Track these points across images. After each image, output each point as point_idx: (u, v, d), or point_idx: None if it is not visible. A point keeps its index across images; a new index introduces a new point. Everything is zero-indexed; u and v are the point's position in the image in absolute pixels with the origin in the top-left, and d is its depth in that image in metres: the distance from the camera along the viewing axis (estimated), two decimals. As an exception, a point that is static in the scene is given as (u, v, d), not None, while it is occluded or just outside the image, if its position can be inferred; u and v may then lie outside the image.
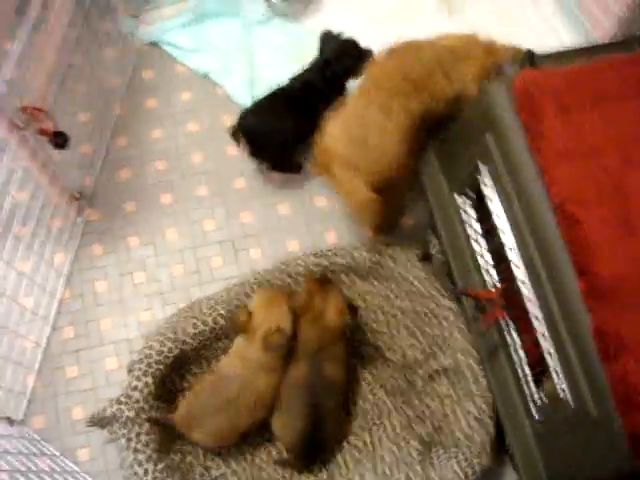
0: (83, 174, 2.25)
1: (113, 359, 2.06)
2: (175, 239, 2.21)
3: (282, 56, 2.51)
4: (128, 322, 2.11)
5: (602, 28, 2.36)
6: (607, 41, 2.26)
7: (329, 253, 2.08)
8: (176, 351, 1.92)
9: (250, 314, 1.85)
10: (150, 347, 1.91)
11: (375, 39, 2.23)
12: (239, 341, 1.89)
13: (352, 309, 1.94)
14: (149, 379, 1.87)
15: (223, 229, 2.23)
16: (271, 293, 1.92)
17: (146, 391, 1.86)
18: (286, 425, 1.86)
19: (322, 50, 2.26)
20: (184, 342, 1.93)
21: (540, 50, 2.38)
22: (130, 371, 1.92)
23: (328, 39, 2.27)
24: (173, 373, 1.95)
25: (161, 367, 1.90)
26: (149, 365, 1.88)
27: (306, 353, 1.86)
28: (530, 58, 1.67)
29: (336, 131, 1.90)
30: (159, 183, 2.29)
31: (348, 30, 2.50)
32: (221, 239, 2.21)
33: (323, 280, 1.95)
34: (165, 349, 1.91)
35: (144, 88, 2.45)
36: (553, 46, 2.47)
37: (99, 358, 2.06)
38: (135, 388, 1.86)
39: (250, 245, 2.21)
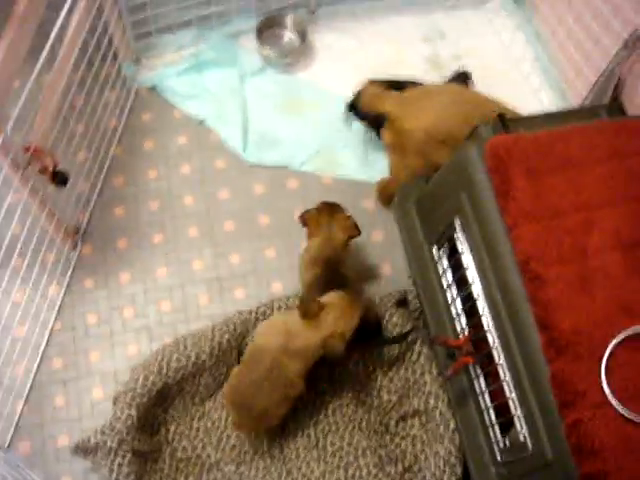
0: (79, 210, 2.35)
1: (99, 390, 2.14)
2: (164, 277, 2.31)
3: (274, 105, 2.64)
4: (115, 355, 2.19)
5: (577, 92, 2.49)
6: (581, 103, 2.39)
7: (310, 297, 2.17)
8: (160, 384, 2.01)
9: (322, 307, 1.91)
10: (135, 380, 2.00)
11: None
12: (293, 318, 1.93)
13: (356, 228, 2.14)
14: (133, 411, 1.95)
15: (211, 269, 2.32)
16: (353, 301, 1.95)
17: (129, 422, 1.94)
18: None
19: None
20: (167, 376, 2.02)
21: (519, 107, 2.54)
22: (115, 402, 2.00)
23: None
24: (156, 406, 2.04)
25: (145, 400, 1.98)
26: (133, 397, 1.97)
27: (316, 261, 2.07)
28: (502, 121, 1.80)
29: None
30: (152, 222, 2.39)
31: (338, 82, 2.65)
32: (208, 279, 2.31)
33: (332, 205, 2.16)
34: (149, 382, 1.99)
35: (142, 130, 2.56)
36: (532, 105, 2.65)
37: (86, 388, 2.14)
38: (119, 419, 1.94)
39: (236, 285, 2.30)
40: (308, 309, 1.90)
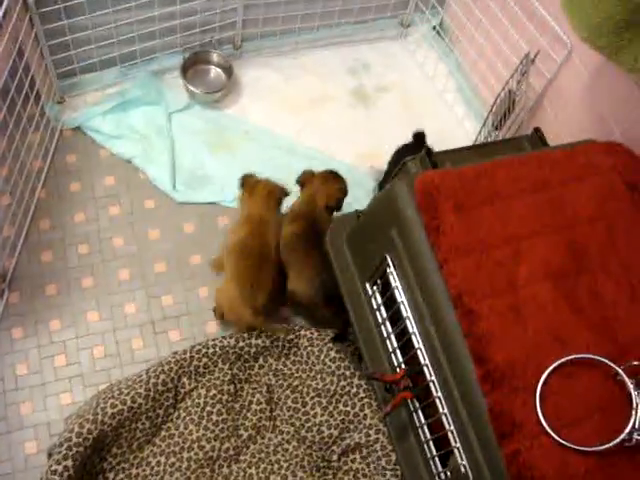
0: (4, 257, 2.27)
1: (33, 444, 2.07)
2: (96, 322, 2.26)
3: (202, 142, 2.63)
4: (48, 405, 2.12)
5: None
6: (483, 123, 2.45)
7: (246, 335, 2.16)
8: (95, 432, 1.95)
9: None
10: (70, 430, 1.94)
11: (290, 128, 2.38)
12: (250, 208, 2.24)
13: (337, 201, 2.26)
14: (69, 462, 1.89)
15: (144, 312, 2.29)
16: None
17: (66, 475, 1.88)
18: (301, 277, 2.17)
19: None
20: (103, 422, 1.97)
21: (446, 136, 2.59)
22: (50, 455, 1.94)
23: None
24: (93, 454, 1.98)
25: (81, 449, 1.92)
26: (69, 448, 1.91)
27: (298, 215, 2.23)
28: (429, 155, 1.83)
29: None
30: (81, 266, 2.34)
31: (265, 117, 2.65)
32: (141, 322, 2.27)
33: (331, 173, 2.30)
34: (84, 431, 1.94)
35: (67, 172, 2.51)
36: (458, 134, 2.71)
37: (18, 442, 2.07)
38: (55, 472, 1.88)
39: (170, 327, 2.27)
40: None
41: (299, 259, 2.19)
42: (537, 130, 1.95)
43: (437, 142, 2.66)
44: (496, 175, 1.71)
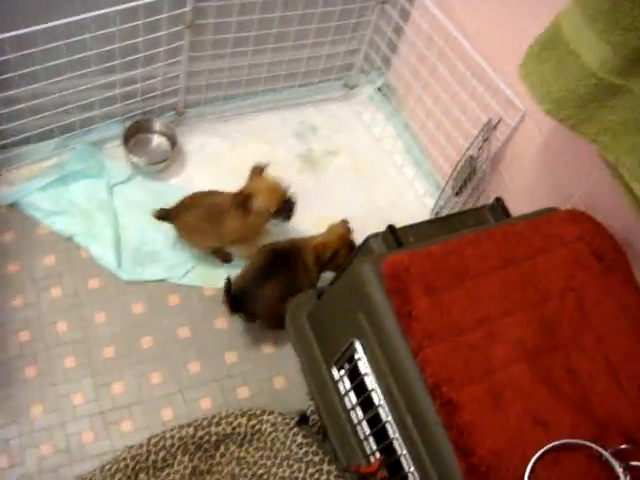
0: (-64, 349, 2.12)
1: None
2: (41, 416, 2.09)
3: (145, 214, 2.51)
4: (-10, 514, 1.96)
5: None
6: (444, 189, 2.43)
7: (205, 423, 2.04)
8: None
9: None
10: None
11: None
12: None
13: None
14: None
15: (93, 402, 2.13)
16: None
17: None
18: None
19: None
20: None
21: (398, 199, 2.55)
22: None
23: None
24: None
25: None
26: None
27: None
28: (392, 232, 1.77)
29: None
30: (22, 355, 2.18)
31: (212, 185, 2.56)
32: (91, 413, 2.12)
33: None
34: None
35: (4, 252, 2.36)
36: (409, 196, 2.67)
37: None
38: None
39: (122, 417, 2.12)
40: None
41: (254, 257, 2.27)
42: (498, 200, 1.91)
43: (389, 204, 2.66)
44: (464, 253, 1.65)
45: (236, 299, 2.18)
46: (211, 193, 2.36)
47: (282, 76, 2.77)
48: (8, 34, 2.03)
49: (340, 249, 2.25)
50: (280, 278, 2.22)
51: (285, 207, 2.25)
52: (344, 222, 2.33)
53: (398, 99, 2.87)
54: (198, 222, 2.32)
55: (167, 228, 2.43)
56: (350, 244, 2.28)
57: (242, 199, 2.22)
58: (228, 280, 2.18)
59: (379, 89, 2.94)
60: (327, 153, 2.79)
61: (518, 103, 2.17)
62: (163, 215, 2.35)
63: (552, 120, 1.73)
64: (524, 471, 1.42)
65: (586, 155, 1.96)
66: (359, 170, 2.77)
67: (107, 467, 1.94)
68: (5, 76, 2.19)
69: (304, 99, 2.90)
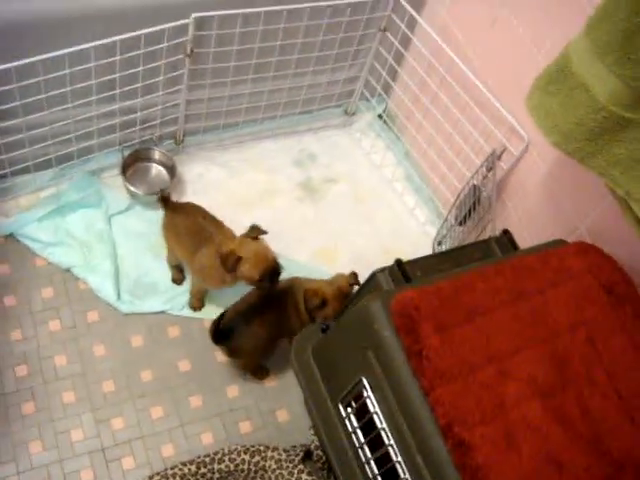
0: None
1: None
2: (39, 453, 2.05)
3: (145, 246, 2.48)
4: None
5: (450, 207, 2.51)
6: (446, 217, 2.42)
7: (207, 460, 2.01)
8: None
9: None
10: None
11: (238, 225, 2.26)
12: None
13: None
14: None
15: (92, 438, 2.09)
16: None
17: None
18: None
19: None
20: None
21: (398, 226, 2.52)
22: None
23: None
24: None
25: None
26: None
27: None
28: (399, 266, 1.74)
29: None
30: (20, 390, 2.14)
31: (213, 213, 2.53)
32: (91, 450, 2.07)
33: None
34: None
35: (1, 285, 2.32)
36: (410, 223, 2.65)
37: None
38: None
39: (123, 454, 2.08)
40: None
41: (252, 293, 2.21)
42: (506, 232, 1.90)
43: (390, 233, 2.64)
44: (474, 288, 1.63)
45: (222, 331, 2.12)
46: (214, 220, 2.30)
47: (281, 104, 2.75)
48: (10, 64, 2.01)
49: (332, 301, 2.14)
50: (270, 317, 2.16)
51: (269, 276, 2.11)
52: (353, 275, 2.22)
53: (399, 126, 2.85)
54: (183, 230, 2.26)
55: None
56: (347, 296, 2.18)
57: (230, 261, 2.08)
58: (224, 312, 2.14)
59: (379, 116, 2.93)
60: (326, 181, 2.77)
61: (522, 132, 2.16)
62: (166, 199, 2.33)
63: (556, 150, 1.71)
64: (539, 513, 1.40)
65: (591, 185, 1.95)
66: (359, 198, 2.75)
67: (108, 506, 1.90)
68: (5, 106, 2.16)
69: (303, 127, 2.89)
